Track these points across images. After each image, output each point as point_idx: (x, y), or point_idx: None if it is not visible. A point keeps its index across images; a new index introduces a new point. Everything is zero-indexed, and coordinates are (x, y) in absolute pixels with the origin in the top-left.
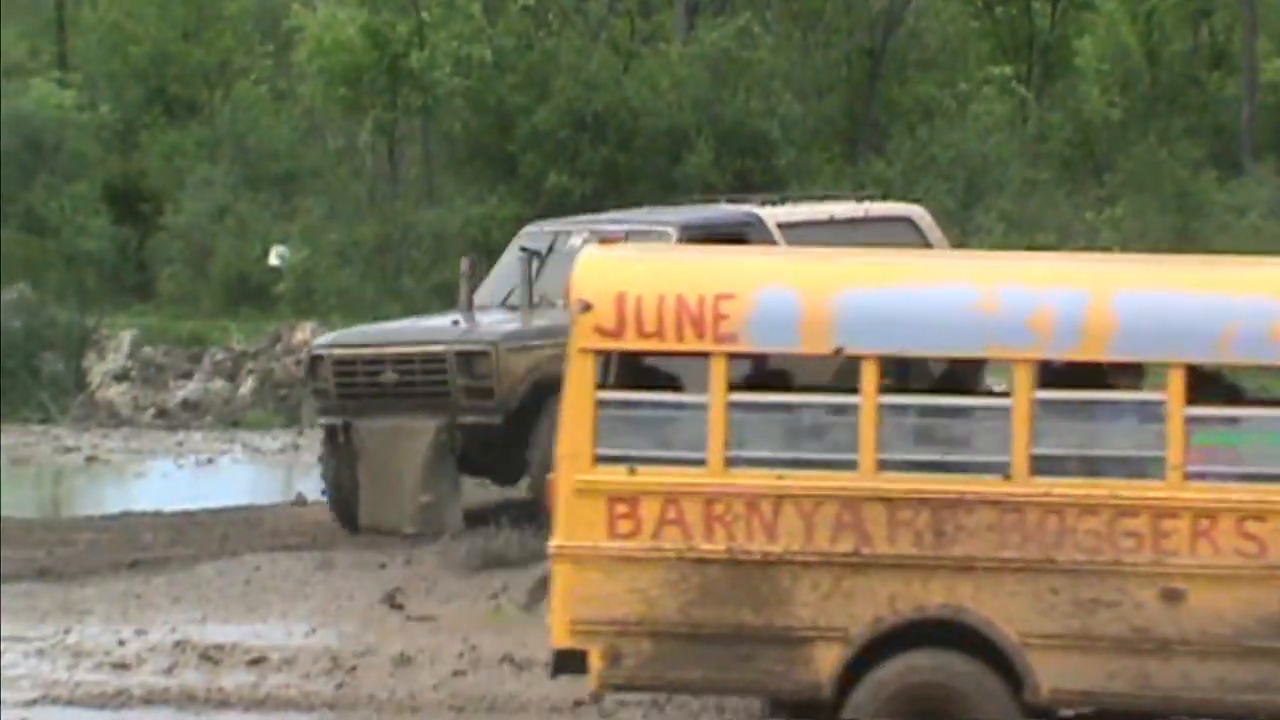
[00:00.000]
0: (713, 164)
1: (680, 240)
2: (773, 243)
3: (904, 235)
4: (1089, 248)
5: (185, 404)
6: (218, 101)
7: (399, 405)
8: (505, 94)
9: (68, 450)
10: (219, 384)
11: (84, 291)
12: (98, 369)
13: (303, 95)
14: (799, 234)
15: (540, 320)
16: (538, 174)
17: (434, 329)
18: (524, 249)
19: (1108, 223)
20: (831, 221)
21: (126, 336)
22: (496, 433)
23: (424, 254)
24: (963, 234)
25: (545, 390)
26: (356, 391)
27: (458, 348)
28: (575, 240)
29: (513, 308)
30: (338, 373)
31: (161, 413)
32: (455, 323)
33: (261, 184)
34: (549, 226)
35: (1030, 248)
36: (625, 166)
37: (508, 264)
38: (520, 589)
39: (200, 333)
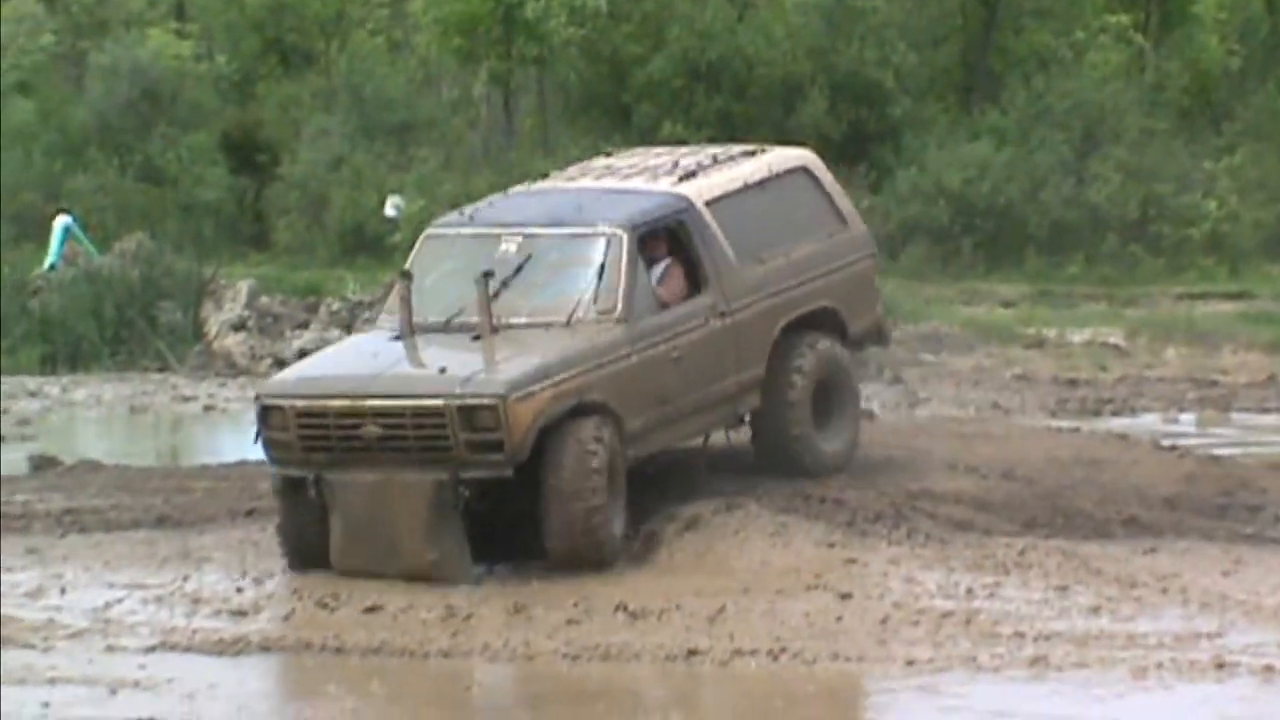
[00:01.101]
0: (827, 113)
1: (632, 242)
2: (704, 224)
3: (804, 187)
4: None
5: (301, 354)
6: (333, 52)
7: (384, 459)
8: (620, 44)
9: (185, 399)
10: (335, 334)
11: (201, 241)
12: (215, 318)
13: (418, 45)
14: (722, 208)
15: (529, 357)
16: (653, 124)
17: (418, 377)
18: (485, 273)
19: (1225, 171)
20: (746, 188)
21: (243, 286)
22: (503, 484)
23: None
24: (1079, 183)
25: (547, 435)
26: (328, 445)
27: (459, 403)
28: (508, 247)
29: (461, 330)
30: (302, 425)
31: (278, 363)
32: (442, 370)
33: (377, 134)
34: (465, 229)
35: (1147, 197)
36: (740, 116)
37: (424, 272)
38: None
39: (316, 282)
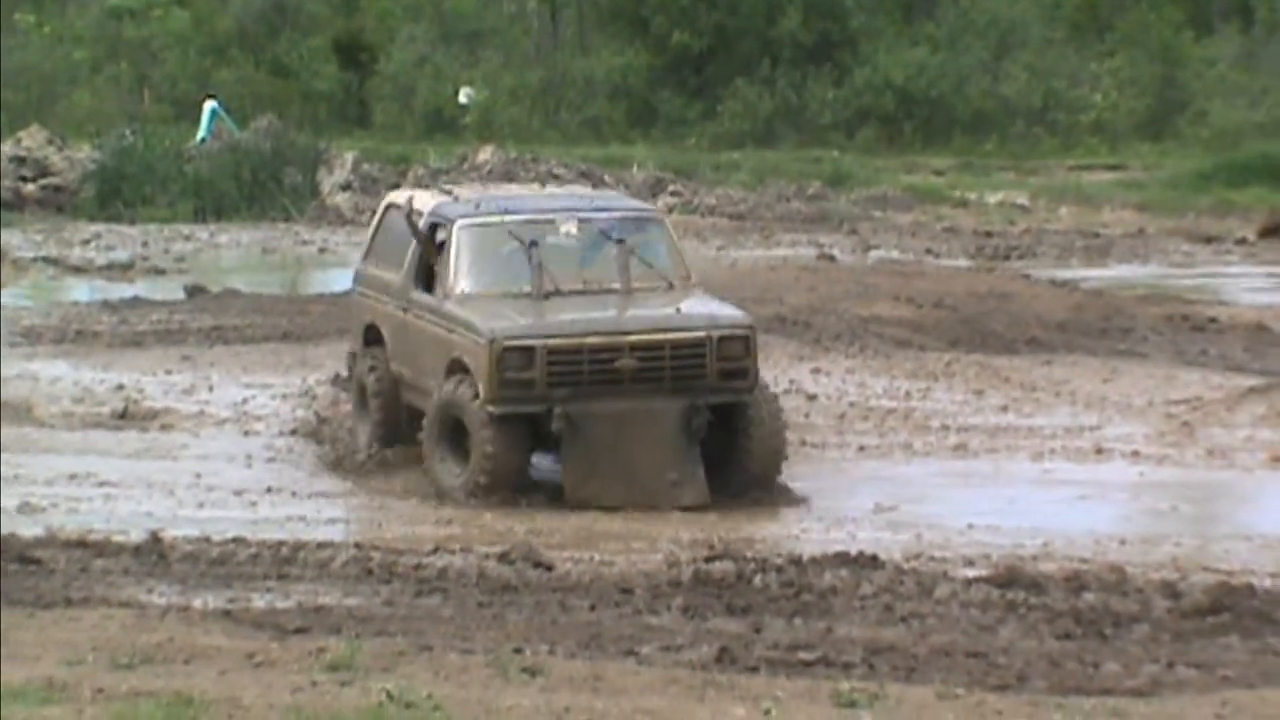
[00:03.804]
0: (800, 25)
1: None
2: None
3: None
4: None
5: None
6: None
7: (633, 391)
8: None
9: (304, 243)
10: (419, 192)
11: (317, 121)
12: (327, 181)
13: None
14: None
15: (718, 303)
16: (665, 33)
17: (668, 315)
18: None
19: (1108, 71)
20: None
21: (349, 156)
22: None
23: (578, 94)
24: (995, 80)
25: None
26: (577, 380)
27: (720, 332)
28: (568, 228)
29: (599, 292)
30: (552, 362)
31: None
32: (677, 310)
33: (453, 39)
34: (509, 216)
35: (1047, 91)
36: (733, 28)
37: (481, 254)
38: None
39: (405, 154)
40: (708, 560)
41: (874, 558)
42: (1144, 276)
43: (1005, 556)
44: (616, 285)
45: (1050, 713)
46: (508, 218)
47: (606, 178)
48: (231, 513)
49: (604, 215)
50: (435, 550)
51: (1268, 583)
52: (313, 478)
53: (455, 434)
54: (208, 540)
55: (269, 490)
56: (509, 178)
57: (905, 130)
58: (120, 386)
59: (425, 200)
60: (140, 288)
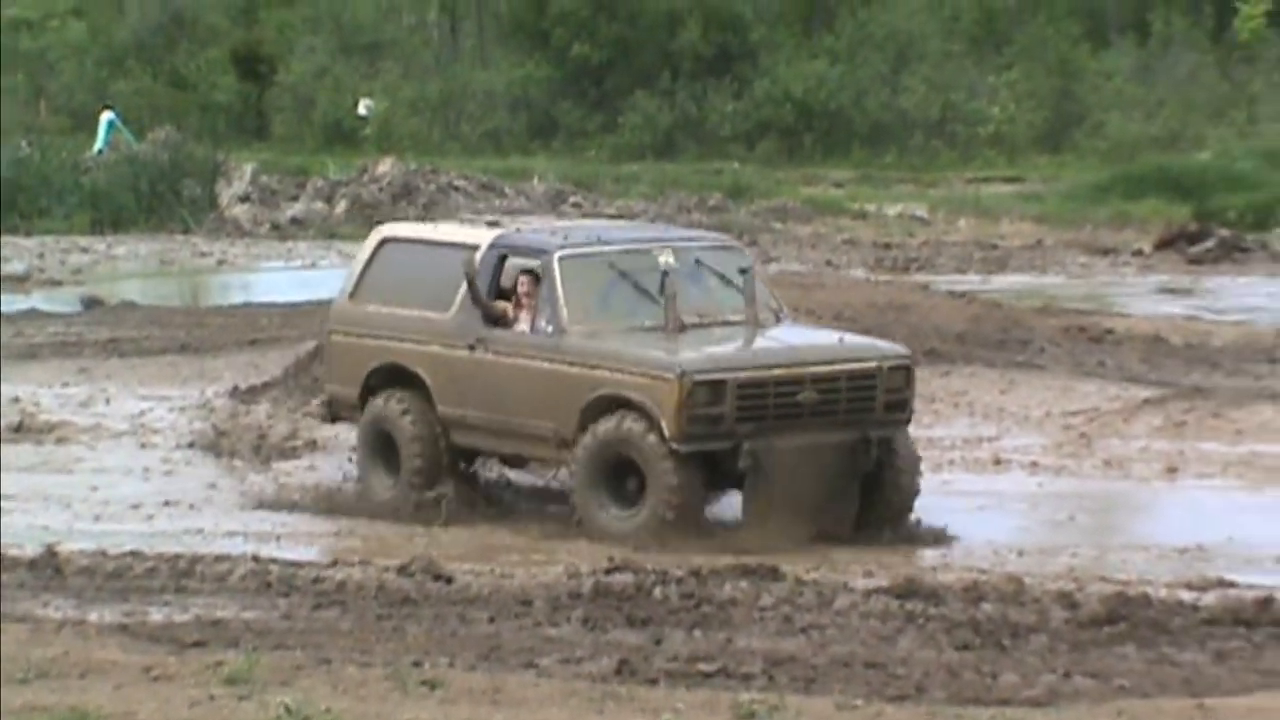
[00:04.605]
0: (700, 37)
1: None
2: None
3: None
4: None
5: (293, 220)
6: None
7: (813, 424)
8: None
9: (203, 255)
10: (319, 205)
11: (215, 133)
12: (226, 193)
13: None
14: None
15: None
16: (565, 45)
17: (838, 345)
18: (740, 269)
19: (1005, 84)
20: None
21: (248, 168)
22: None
23: (478, 106)
24: (893, 92)
25: None
26: (763, 414)
27: (889, 363)
28: (666, 258)
29: (724, 324)
30: (742, 396)
31: (275, 227)
32: (840, 339)
33: (352, 51)
34: (607, 248)
35: (945, 104)
36: (632, 40)
37: (585, 286)
38: None
39: (304, 165)
40: (607, 572)
41: (774, 569)
42: (1042, 288)
43: (904, 567)
44: (739, 317)
45: None
46: (606, 248)
47: (507, 190)
48: (128, 526)
49: (695, 245)
50: (334, 563)
51: (1164, 592)
52: (210, 490)
53: (616, 474)
54: (104, 554)
55: (166, 503)
56: (409, 190)
57: (805, 142)
58: (16, 399)
59: (471, 233)
60: (36, 300)
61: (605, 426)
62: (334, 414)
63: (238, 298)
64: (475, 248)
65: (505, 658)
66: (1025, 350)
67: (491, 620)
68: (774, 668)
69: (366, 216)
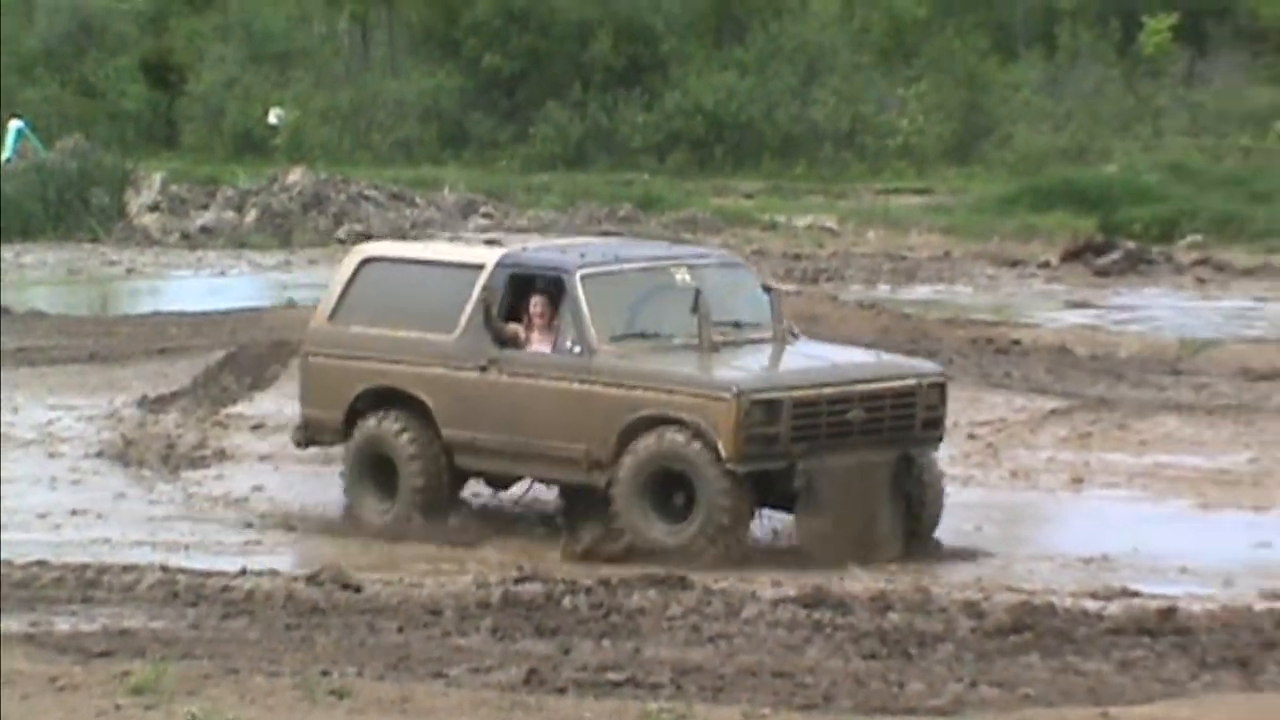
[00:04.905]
0: (611, 49)
1: None
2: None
3: None
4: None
5: (203, 229)
6: None
7: (860, 443)
8: None
9: (111, 264)
10: (229, 214)
11: (125, 142)
12: (135, 201)
13: None
14: None
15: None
16: (477, 55)
17: (878, 363)
18: (765, 286)
19: (914, 97)
20: None
21: (157, 177)
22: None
23: (389, 115)
24: (803, 104)
25: None
26: (815, 433)
27: (933, 379)
28: (683, 276)
29: (751, 341)
30: (796, 415)
31: (184, 236)
32: (878, 357)
33: (263, 60)
34: (626, 265)
35: (855, 116)
36: (544, 51)
37: (609, 301)
38: None
39: (214, 175)
40: (516, 582)
41: (682, 578)
42: (950, 299)
43: (811, 577)
44: (761, 334)
45: None
46: (626, 266)
47: (418, 200)
48: (35, 535)
49: (705, 263)
50: (243, 573)
51: (1069, 602)
52: (118, 499)
53: (663, 489)
54: (10, 564)
55: (73, 513)
56: (319, 199)
57: (715, 154)
58: None
59: (471, 253)
60: None
61: (652, 443)
62: (309, 438)
63: (146, 306)
64: (479, 267)
65: (414, 667)
66: (933, 361)
67: (400, 630)
68: (682, 677)
69: (277, 226)
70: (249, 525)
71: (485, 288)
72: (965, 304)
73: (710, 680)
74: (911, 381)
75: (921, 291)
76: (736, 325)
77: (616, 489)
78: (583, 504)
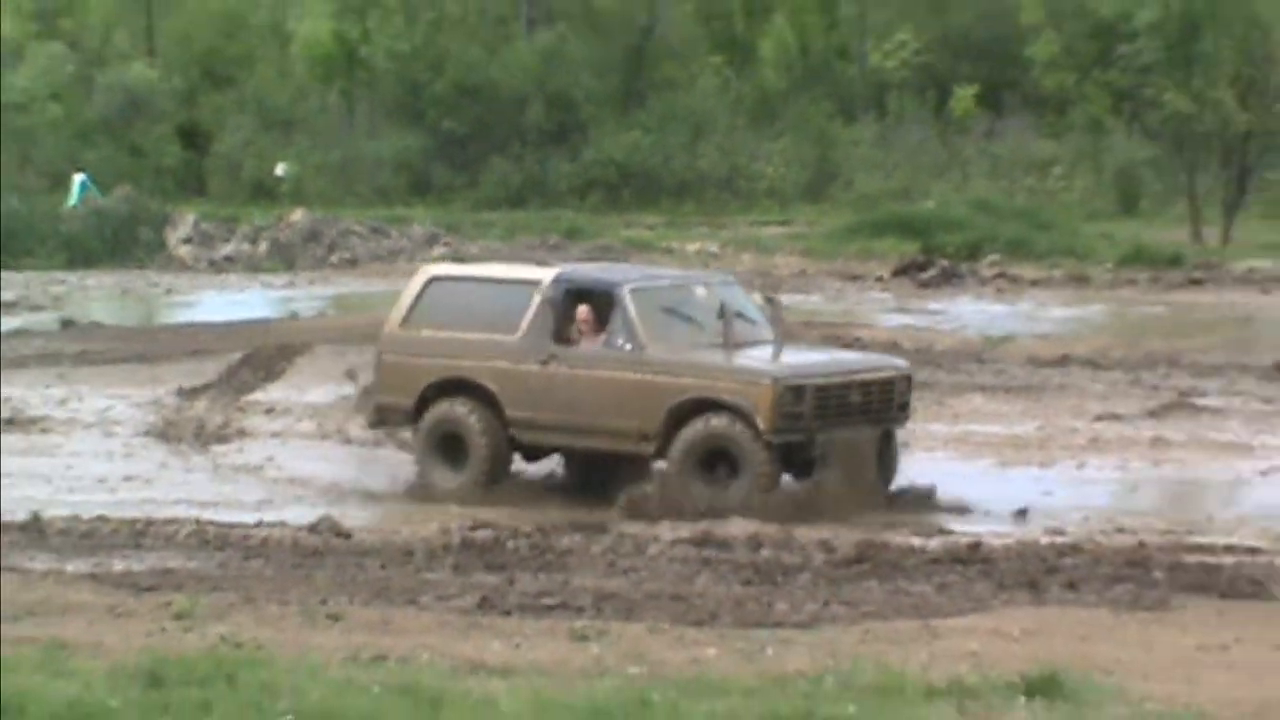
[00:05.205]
0: (544, 115)
1: None
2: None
3: None
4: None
5: (226, 259)
6: (245, 77)
7: (856, 420)
8: (418, 73)
9: (154, 285)
10: (246, 246)
11: (164, 190)
12: (173, 237)
13: (298, 74)
14: None
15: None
16: (437, 121)
17: (868, 358)
18: (768, 298)
19: (778, 151)
20: None
21: (190, 217)
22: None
23: (369, 168)
24: (693, 157)
25: None
26: (827, 412)
27: (905, 372)
28: (701, 291)
29: (758, 343)
30: (818, 398)
31: (211, 263)
32: (864, 354)
33: (271, 126)
34: (662, 282)
35: (732, 165)
36: (489, 117)
37: (654, 310)
38: None
39: (235, 215)
40: (472, 529)
41: (601, 525)
42: (806, 306)
43: (700, 523)
44: (766, 336)
45: (734, 641)
46: (660, 283)
47: (393, 232)
48: (96, 496)
49: (712, 282)
50: (259, 524)
51: (899, 539)
52: (161, 468)
53: (711, 461)
54: (78, 518)
55: (126, 479)
56: (315, 234)
57: (624, 195)
58: (8, 399)
59: (528, 272)
60: (24, 321)
61: (700, 427)
62: (382, 421)
63: (182, 318)
64: (537, 283)
65: (392, 596)
66: None
67: (382, 567)
68: (601, 601)
69: (283, 255)
70: (264, 487)
71: (545, 300)
72: (818, 309)
73: (624, 604)
74: (892, 373)
75: (784, 300)
76: (747, 329)
77: (669, 465)
78: (589, 473)
